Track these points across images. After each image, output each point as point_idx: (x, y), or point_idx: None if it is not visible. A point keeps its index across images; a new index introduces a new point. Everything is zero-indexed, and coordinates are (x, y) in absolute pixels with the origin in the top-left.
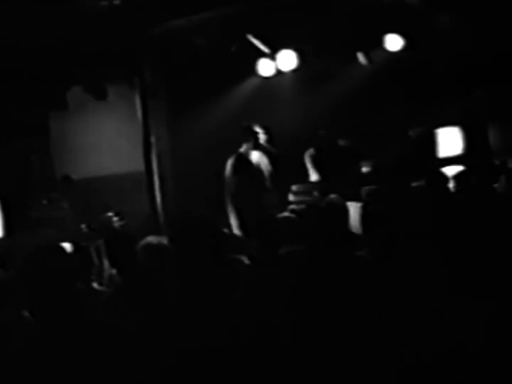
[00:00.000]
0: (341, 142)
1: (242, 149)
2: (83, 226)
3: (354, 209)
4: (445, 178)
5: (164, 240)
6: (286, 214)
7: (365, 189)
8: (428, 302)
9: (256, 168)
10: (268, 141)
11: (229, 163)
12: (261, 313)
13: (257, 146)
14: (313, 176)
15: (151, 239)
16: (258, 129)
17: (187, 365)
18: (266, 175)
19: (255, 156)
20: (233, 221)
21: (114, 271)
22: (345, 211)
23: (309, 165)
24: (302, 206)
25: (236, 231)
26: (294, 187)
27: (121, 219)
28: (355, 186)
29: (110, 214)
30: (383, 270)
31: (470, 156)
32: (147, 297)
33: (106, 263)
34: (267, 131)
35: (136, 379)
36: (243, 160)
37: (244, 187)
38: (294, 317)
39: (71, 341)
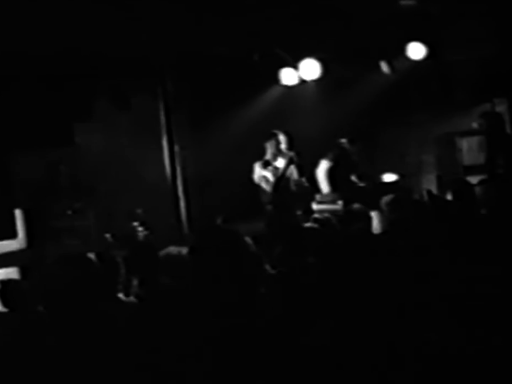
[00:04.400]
0: (355, 153)
1: (267, 156)
2: (107, 236)
3: (377, 217)
4: (469, 187)
5: (184, 250)
6: (309, 223)
7: (385, 199)
8: (447, 307)
9: (281, 176)
10: (292, 148)
11: (257, 169)
12: (284, 321)
13: (281, 153)
14: (325, 189)
15: (172, 249)
16: (282, 136)
17: (208, 373)
18: (292, 181)
19: (281, 164)
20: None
21: (138, 282)
22: (369, 220)
23: (321, 178)
24: (326, 215)
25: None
26: (317, 196)
27: (145, 229)
28: (378, 195)
29: (134, 224)
30: (405, 278)
31: (492, 164)
32: (168, 307)
33: (130, 273)
34: (290, 138)
35: None
36: (269, 166)
37: (270, 194)
38: (318, 326)
39: (94, 350)
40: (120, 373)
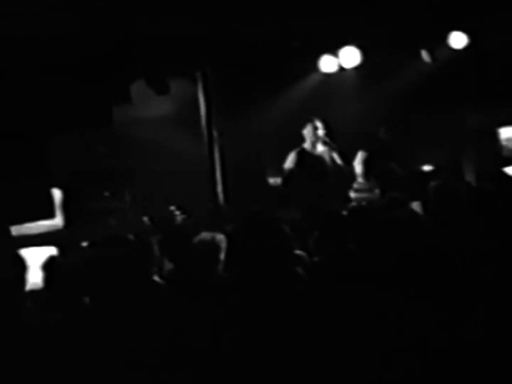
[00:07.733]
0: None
1: (306, 144)
2: (145, 219)
3: (416, 207)
4: (509, 179)
5: (217, 236)
6: (347, 211)
7: (431, 186)
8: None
9: (319, 163)
10: (330, 136)
11: (291, 157)
12: (321, 310)
13: (320, 141)
14: (362, 178)
15: (205, 235)
16: (319, 124)
17: (243, 360)
18: (329, 170)
19: (319, 151)
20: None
21: (172, 265)
22: (407, 208)
23: (358, 169)
24: (363, 203)
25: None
26: (355, 184)
27: (183, 213)
28: (416, 185)
29: (172, 207)
30: (444, 269)
31: None
32: (200, 293)
33: (165, 256)
34: (328, 127)
35: (189, 370)
36: (306, 154)
37: (307, 182)
38: (354, 314)
39: (128, 330)
40: (150, 353)
